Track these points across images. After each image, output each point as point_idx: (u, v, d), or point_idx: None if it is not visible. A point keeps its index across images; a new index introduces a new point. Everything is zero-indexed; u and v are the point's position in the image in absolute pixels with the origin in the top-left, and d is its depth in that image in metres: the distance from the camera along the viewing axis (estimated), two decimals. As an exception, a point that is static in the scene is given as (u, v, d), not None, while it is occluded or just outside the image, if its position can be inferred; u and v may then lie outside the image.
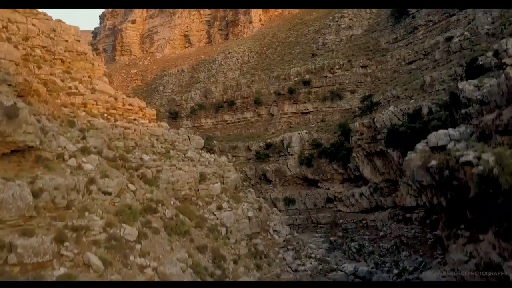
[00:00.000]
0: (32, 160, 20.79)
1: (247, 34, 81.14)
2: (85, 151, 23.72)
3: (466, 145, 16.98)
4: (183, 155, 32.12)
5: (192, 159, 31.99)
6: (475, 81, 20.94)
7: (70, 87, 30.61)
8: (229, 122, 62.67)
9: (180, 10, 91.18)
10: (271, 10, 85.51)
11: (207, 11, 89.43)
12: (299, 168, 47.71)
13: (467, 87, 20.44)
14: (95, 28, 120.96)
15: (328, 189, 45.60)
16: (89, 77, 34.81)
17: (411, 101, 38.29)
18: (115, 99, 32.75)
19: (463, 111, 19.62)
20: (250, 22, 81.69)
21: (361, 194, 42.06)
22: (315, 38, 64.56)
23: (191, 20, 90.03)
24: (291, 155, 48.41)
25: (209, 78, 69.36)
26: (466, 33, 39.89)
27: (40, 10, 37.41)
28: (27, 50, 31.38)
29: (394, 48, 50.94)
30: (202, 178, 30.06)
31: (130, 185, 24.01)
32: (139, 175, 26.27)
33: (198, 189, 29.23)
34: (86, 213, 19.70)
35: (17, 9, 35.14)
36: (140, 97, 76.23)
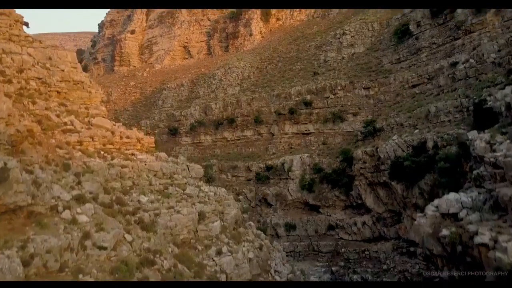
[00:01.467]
0: (24, 216, 19.96)
1: (248, 47, 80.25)
2: (80, 199, 22.83)
3: (480, 217, 16.14)
4: (182, 191, 31.20)
5: (191, 196, 31.08)
6: (486, 136, 20.08)
7: (65, 123, 29.65)
8: (229, 139, 61.85)
9: (179, 21, 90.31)
10: (272, 22, 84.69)
11: (207, 22, 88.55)
12: (300, 193, 46.90)
13: (478, 144, 19.59)
14: (94, 36, 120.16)
15: (330, 215, 44.78)
16: (85, 108, 33.92)
17: (415, 131, 37.44)
18: (112, 133, 31.82)
19: (474, 172, 18.74)
20: (251, 35, 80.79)
21: (364, 223, 41.26)
22: (316, 54, 63.70)
23: (190, 31, 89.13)
24: (292, 179, 47.58)
25: (208, 93, 68.50)
26: (471, 60, 39.07)
27: (36, 37, 36.67)
28: (21, 84, 30.47)
29: (397, 69, 50.10)
30: (201, 217, 29.18)
31: (126, 235, 23.10)
32: (136, 220, 25.37)
33: (197, 230, 28.36)
34: (80, 275, 18.86)
35: (12, 39, 34.56)
36: (139, 110, 75.76)
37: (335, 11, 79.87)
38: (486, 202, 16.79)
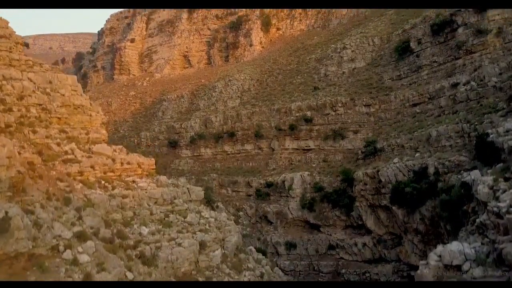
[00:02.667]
0: (25, 260, 19.91)
1: (248, 57, 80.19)
2: (81, 236, 22.80)
3: (483, 271, 16.08)
4: (183, 219, 31.14)
5: (192, 224, 31.02)
6: (489, 181, 20.00)
7: (66, 152, 29.60)
8: (229, 153, 61.75)
9: (179, 30, 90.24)
10: (272, 32, 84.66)
11: (207, 31, 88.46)
12: (301, 211, 46.83)
13: (481, 189, 19.52)
14: (94, 43, 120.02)
15: (330, 235, 44.72)
16: (86, 133, 33.83)
17: (416, 154, 37.40)
18: (113, 160, 31.75)
19: (477, 221, 18.67)
20: (251, 45, 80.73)
21: (364, 244, 41.22)
22: (317, 68, 63.63)
23: (190, 41, 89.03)
24: (293, 197, 47.51)
25: (209, 106, 68.42)
26: (472, 82, 39.04)
27: (35, 60, 36.53)
28: (22, 112, 30.41)
29: (398, 86, 50.05)
30: (202, 247, 29.13)
31: (128, 273, 23.05)
32: (137, 255, 25.32)
33: (198, 261, 28.31)
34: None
35: (12, 63, 34.41)
36: (139, 122, 75.68)
37: (335, 21, 79.91)
38: (489, 255, 16.73)
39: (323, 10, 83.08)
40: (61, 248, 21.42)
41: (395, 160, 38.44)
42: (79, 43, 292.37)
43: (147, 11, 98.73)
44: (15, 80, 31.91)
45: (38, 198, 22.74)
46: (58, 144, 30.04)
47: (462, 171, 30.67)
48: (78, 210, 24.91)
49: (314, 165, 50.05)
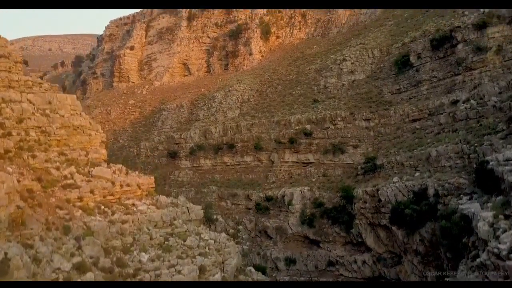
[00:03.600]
0: (24, 297, 19.89)
1: (247, 66, 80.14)
2: (80, 268, 22.84)
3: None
4: (182, 242, 31.07)
5: (191, 247, 30.94)
6: (490, 217, 19.99)
7: (65, 176, 29.55)
8: (228, 164, 61.70)
9: (179, 38, 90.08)
10: (272, 40, 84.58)
11: (206, 39, 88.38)
12: (300, 227, 46.84)
13: (481, 226, 19.50)
14: (93, 50, 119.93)
15: (330, 251, 44.71)
16: (85, 154, 33.79)
17: (416, 174, 37.44)
18: (112, 183, 31.66)
19: (478, 260, 18.64)
20: (250, 54, 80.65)
21: (364, 262, 41.21)
22: (316, 79, 63.61)
23: (190, 49, 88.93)
24: (293, 213, 47.50)
25: (208, 116, 68.38)
26: (472, 101, 39.06)
27: (34, 80, 36.43)
28: (21, 136, 30.33)
29: (398, 101, 50.05)
30: (202, 271, 29.06)
31: (127, 305, 23.02)
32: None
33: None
34: None
35: (11, 85, 34.35)
36: (138, 131, 75.64)
37: (334, 30, 79.92)
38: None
39: (323, 18, 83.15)
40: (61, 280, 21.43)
41: (395, 179, 38.47)
42: (79, 44, 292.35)
43: (147, 18, 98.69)
44: (14, 103, 31.87)
45: (37, 231, 22.68)
46: (58, 169, 29.98)
47: (461, 195, 30.76)
48: (77, 239, 24.86)
49: (313, 180, 50.01)
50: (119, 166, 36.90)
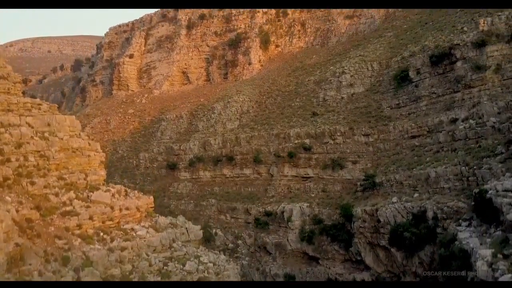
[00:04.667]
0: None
1: (247, 76, 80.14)
2: (79, 301, 22.79)
3: None
4: (181, 267, 31.06)
5: (191, 272, 30.95)
6: (488, 256, 19.98)
7: (64, 203, 29.57)
8: (228, 176, 61.71)
9: (178, 46, 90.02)
10: (271, 49, 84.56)
11: (205, 48, 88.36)
12: (299, 243, 46.86)
13: (480, 266, 19.50)
14: (92, 57, 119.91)
15: (329, 268, 44.72)
16: (84, 177, 33.74)
17: (415, 194, 37.49)
18: (111, 207, 31.68)
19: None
20: (250, 64, 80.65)
21: (363, 281, 41.16)
22: (316, 91, 63.61)
23: (189, 57, 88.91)
24: (292, 229, 47.51)
25: (208, 128, 68.36)
26: (471, 121, 39.08)
27: (34, 101, 36.33)
28: (20, 161, 30.31)
29: (397, 116, 50.04)
30: (201, 297, 29.11)
31: None
32: (135, 314, 25.32)
33: (196, 314, 28.26)
34: None
35: (10, 108, 34.31)
36: (138, 142, 75.66)
37: (334, 39, 79.92)
38: None
39: (322, 27, 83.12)
40: (60, 318, 21.44)
41: (394, 199, 38.51)
42: (78, 46, 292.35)
43: (146, 26, 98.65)
44: (13, 127, 31.87)
45: (36, 265, 22.71)
46: (57, 195, 29.97)
47: (460, 220, 30.81)
48: (76, 270, 24.90)
49: (313, 195, 50.01)
50: (118, 187, 36.88)
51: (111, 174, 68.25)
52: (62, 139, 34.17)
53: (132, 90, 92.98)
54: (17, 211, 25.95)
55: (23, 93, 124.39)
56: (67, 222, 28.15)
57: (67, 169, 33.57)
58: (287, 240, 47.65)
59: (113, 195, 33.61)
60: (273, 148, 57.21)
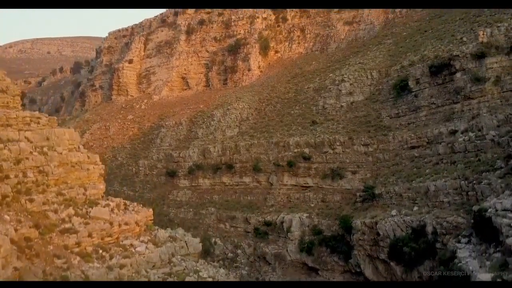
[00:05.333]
0: None
1: (246, 82, 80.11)
2: (78, 323, 22.76)
3: None
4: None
5: (190, 288, 30.95)
6: (488, 279, 19.96)
7: (63, 220, 29.51)
8: (227, 184, 61.68)
9: (178, 51, 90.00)
10: (271, 55, 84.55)
11: (205, 53, 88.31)
12: (299, 254, 46.86)
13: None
14: (92, 61, 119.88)
15: (329, 279, 44.68)
16: (83, 192, 33.68)
17: (415, 208, 37.50)
18: (111, 223, 31.63)
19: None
20: (249, 70, 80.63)
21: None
22: (315, 98, 63.60)
23: (189, 63, 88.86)
24: (291, 240, 47.49)
25: (207, 135, 68.29)
26: (471, 133, 39.09)
27: (33, 115, 36.25)
28: (19, 178, 30.26)
29: (396, 126, 50.01)
30: (200, 314, 29.11)
31: None
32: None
33: (196, 332, 28.24)
34: None
35: (9, 122, 34.22)
36: (137, 148, 75.62)
37: (333, 45, 79.88)
38: None
39: (322, 33, 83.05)
40: None
41: (393, 212, 38.51)
42: (77, 47, 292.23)
43: (145, 31, 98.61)
44: (12, 142, 31.82)
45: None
46: (56, 211, 29.92)
47: (460, 236, 30.79)
48: (75, 291, 24.85)
49: (312, 205, 50.00)
50: (117, 200, 36.79)
51: (110, 181, 68.19)
52: (61, 153, 34.12)
53: (132, 96, 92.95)
54: (15, 230, 25.93)
55: (23, 95, 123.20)
56: (66, 240, 28.12)
57: (66, 183, 33.53)
58: (287, 250, 47.64)
59: (112, 210, 33.55)
60: (273, 156, 57.21)
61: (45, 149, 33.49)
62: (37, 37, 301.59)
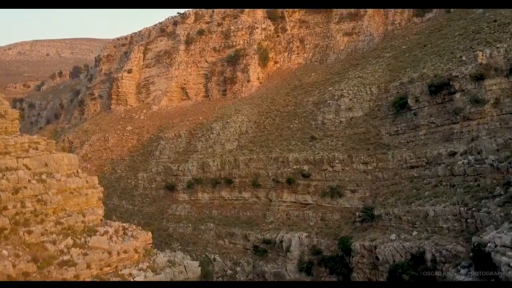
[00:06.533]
0: None
1: (245, 93, 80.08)
2: None
3: None
4: (180, 313, 31.00)
5: (189, 318, 30.88)
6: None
7: (62, 251, 29.38)
8: (226, 199, 61.65)
9: (177, 61, 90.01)
10: (270, 65, 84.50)
11: (204, 64, 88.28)
12: (298, 274, 46.82)
13: None
14: (91, 69, 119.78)
15: (328, 299, 44.61)
16: (82, 219, 33.56)
17: (414, 233, 37.48)
18: (109, 253, 31.47)
19: None
20: (248, 81, 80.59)
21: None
22: (314, 112, 63.60)
23: (188, 73, 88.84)
24: (291, 259, 47.47)
25: (206, 148, 68.20)
26: (470, 157, 39.04)
27: (31, 139, 36.12)
28: (17, 208, 30.10)
29: (395, 144, 49.96)
30: None
31: None
32: None
33: None
34: None
35: (8, 149, 34.06)
36: (136, 160, 75.55)
37: (332, 56, 79.92)
38: None
39: (321, 44, 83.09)
40: None
41: (393, 236, 38.49)
42: (77, 49, 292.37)
43: (144, 40, 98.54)
44: (10, 171, 31.69)
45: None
46: (54, 242, 29.75)
47: (459, 266, 30.77)
48: (73, 328, 24.76)
49: (312, 224, 49.95)
50: (116, 225, 36.55)
51: (109, 195, 68.26)
52: (59, 180, 33.99)
53: (131, 105, 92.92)
54: (13, 266, 25.86)
55: (21, 101, 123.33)
56: (65, 273, 27.97)
57: (65, 211, 33.34)
58: (286, 269, 47.61)
59: (110, 237, 33.40)
60: (272, 172, 57.18)
61: (43, 176, 33.35)
62: (36, 38, 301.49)
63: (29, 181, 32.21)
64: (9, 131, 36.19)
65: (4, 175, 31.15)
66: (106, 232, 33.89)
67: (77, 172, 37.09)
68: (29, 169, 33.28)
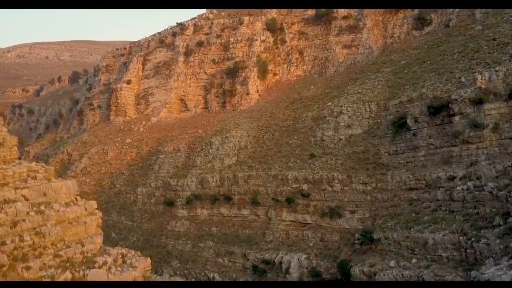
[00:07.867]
0: None
1: (245, 106, 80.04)
2: None
3: None
4: None
5: None
6: None
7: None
8: (225, 215, 61.68)
9: (176, 73, 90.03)
10: (269, 78, 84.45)
11: (203, 75, 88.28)
12: (297, 296, 46.72)
13: None
14: (89, 79, 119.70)
15: (327, 323, 44.60)
16: (81, 250, 33.52)
17: (413, 260, 37.45)
18: (108, 286, 31.47)
19: None
20: (248, 94, 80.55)
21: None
22: (313, 128, 63.58)
23: (187, 84, 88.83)
24: (290, 281, 47.37)
25: (205, 163, 68.14)
26: (469, 183, 38.98)
27: (30, 168, 36.08)
28: (15, 243, 30.02)
29: (395, 164, 49.95)
30: None
31: None
32: None
33: None
34: None
35: (6, 180, 33.98)
36: (135, 175, 75.55)
37: (332, 68, 79.90)
38: None
39: (320, 56, 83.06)
40: None
41: (392, 263, 38.46)
42: (76, 51, 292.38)
43: (143, 51, 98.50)
44: (8, 204, 31.56)
45: None
46: (52, 278, 29.75)
47: (458, 299, 30.68)
48: None
49: (311, 244, 49.93)
50: (115, 253, 36.50)
51: (108, 210, 68.32)
52: (58, 211, 33.91)
53: (130, 116, 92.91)
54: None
55: (20, 106, 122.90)
56: (63, 311, 27.92)
57: (64, 241, 33.26)
58: (285, 292, 47.54)
59: (109, 268, 33.37)
60: (271, 190, 57.18)
61: (42, 207, 33.22)
62: (35, 41, 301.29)
63: (28, 213, 32.09)
64: (7, 159, 36.03)
65: (2, 208, 31.08)
66: (105, 262, 33.83)
67: (76, 199, 36.98)
68: (28, 200, 33.18)
